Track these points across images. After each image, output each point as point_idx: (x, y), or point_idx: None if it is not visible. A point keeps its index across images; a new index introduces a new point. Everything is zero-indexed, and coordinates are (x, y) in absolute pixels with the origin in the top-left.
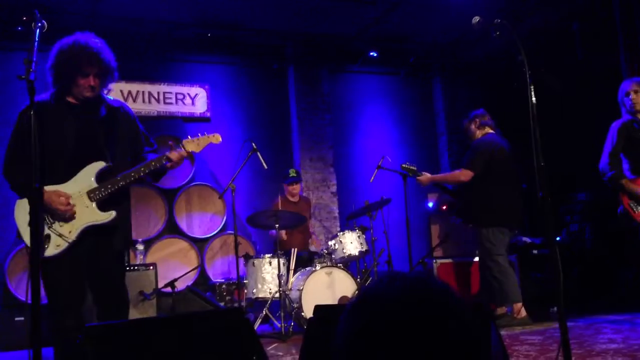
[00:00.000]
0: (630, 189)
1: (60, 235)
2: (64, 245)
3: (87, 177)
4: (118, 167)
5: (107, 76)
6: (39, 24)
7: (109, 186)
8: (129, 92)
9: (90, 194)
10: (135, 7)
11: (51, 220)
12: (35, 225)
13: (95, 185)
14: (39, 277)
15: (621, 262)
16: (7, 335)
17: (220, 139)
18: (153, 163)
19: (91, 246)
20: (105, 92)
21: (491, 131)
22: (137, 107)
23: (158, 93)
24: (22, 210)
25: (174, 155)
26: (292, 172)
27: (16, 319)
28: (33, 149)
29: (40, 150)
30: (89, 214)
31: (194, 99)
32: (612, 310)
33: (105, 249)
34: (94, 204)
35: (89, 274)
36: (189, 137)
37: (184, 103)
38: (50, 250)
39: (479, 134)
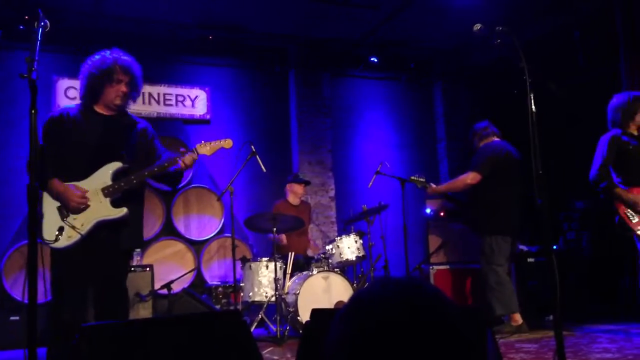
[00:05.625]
0: (627, 197)
1: (73, 227)
2: (75, 237)
3: (104, 175)
4: (133, 169)
5: (135, 88)
6: (42, 23)
7: (122, 184)
8: None
9: (105, 191)
10: (137, 7)
11: (66, 213)
12: (33, 223)
13: (110, 182)
14: (36, 275)
15: (618, 271)
16: (2, 334)
17: (232, 144)
18: (166, 164)
19: (101, 243)
20: (130, 106)
21: (497, 139)
22: (137, 108)
23: (158, 94)
24: (45, 204)
25: (187, 159)
26: (302, 174)
27: (11, 318)
28: (32, 148)
29: (63, 151)
30: (102, 209)
31: (194, 101)
32: (608, 319)
33: (114, 246)
34: (107, 200)
35: (93, 271)
36: (203, 141)
37: (184, 105)
38: (62, 242)
39: (484, 142)
